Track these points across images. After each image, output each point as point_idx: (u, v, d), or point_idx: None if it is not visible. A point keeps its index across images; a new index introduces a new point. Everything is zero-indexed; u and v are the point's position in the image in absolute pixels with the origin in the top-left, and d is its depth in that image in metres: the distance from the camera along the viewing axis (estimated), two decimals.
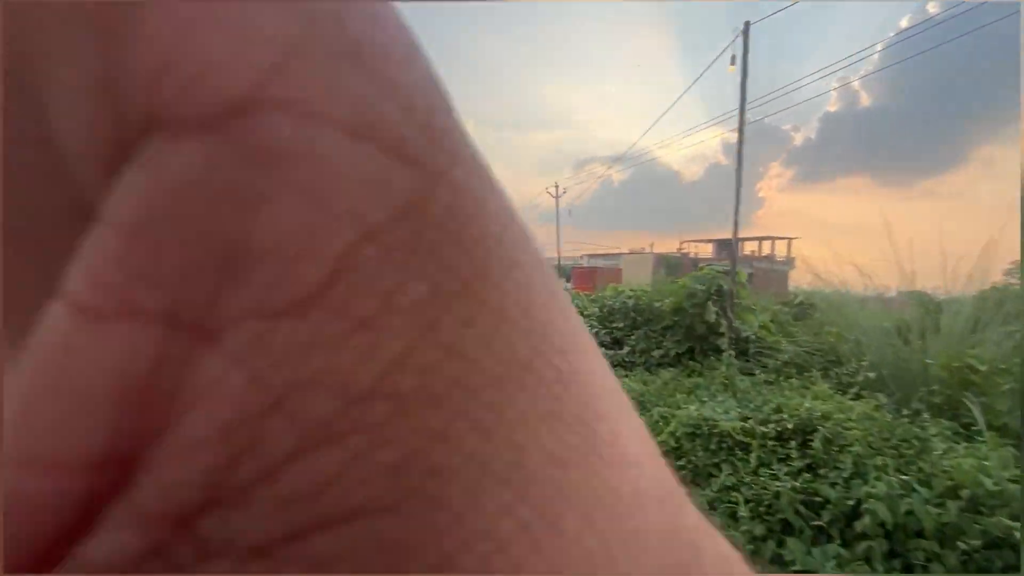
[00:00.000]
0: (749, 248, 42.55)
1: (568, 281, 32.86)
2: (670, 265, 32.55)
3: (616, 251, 45.57)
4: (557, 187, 28.82)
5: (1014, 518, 2.11)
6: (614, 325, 6.83)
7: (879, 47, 17.90)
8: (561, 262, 31.70)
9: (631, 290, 7.21)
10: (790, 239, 42.00)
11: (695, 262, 37.75)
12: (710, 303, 5.96)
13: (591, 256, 41.98)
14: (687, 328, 5.98)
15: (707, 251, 47.57)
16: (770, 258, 38.28)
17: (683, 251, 45.32)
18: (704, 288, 6.16)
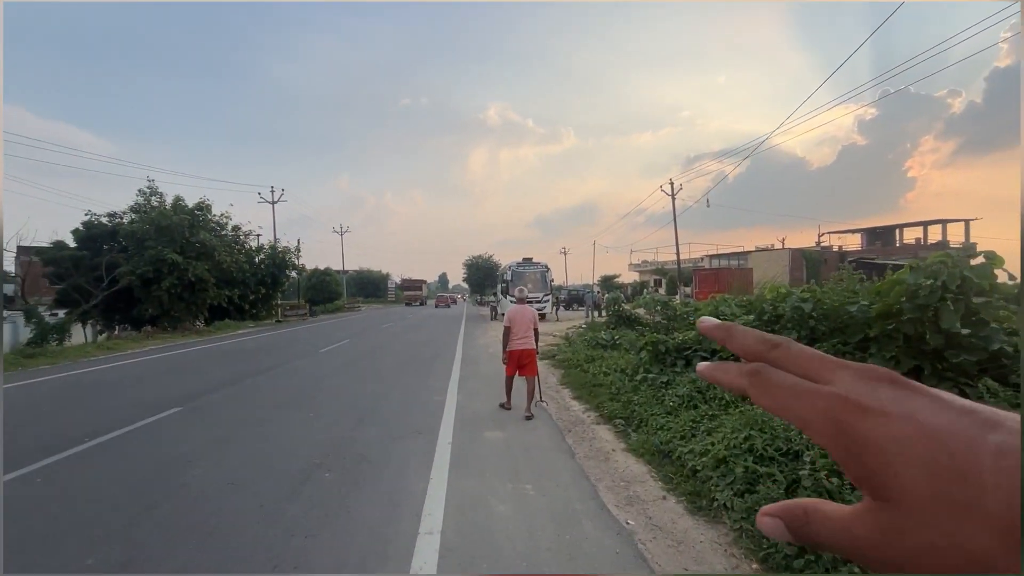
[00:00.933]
0: (912, 235, 36.78)
1: (687, 286, 31.37)
2: (811, 261, 29.48)
3: (738, 250, 42.29)
4: (672, 184, 27.61)
5: None
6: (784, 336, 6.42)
7: None
8: (680, 265, 30.17)
9: (804, 290, 6.18)
10: (968, 221, 35.55)
11: (842, 255, 33.65)
12: (948, 303, 4.18)
13: (712, 257, 39.33)
14: (908, 340, 4.50)
15: (854, 242, 42.13)
16: (942, 246, 32.63)
17: (823, 244, 40.65)
18: (932, 283, 4.27)
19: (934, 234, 36.52)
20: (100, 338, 19.92)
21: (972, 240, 34.14)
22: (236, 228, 28.51)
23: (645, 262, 59.70)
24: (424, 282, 78.57)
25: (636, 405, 5.96)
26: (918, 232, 37.22)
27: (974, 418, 0.22)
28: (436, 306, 54.74)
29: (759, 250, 36.69)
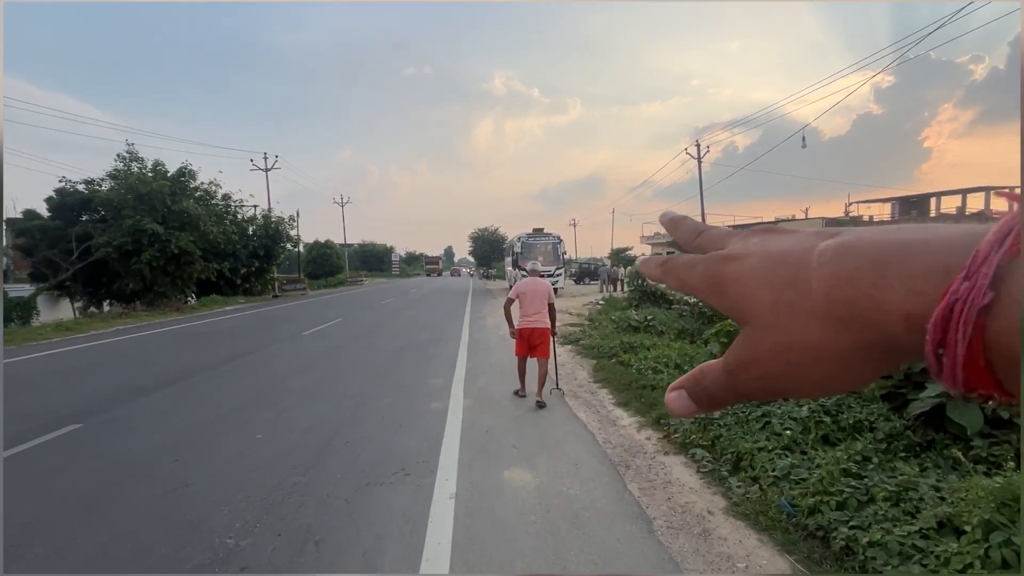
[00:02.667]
0: (950, 204, 34.22)
1: None
2: None
3: (756, 220, 39.83)
4: (699, 145, 25.17)
5: None
6: None
7: None
8: None
9: None
10: (1010, 189, 32.73)
11: (877, 225, 31.24)
12: None
13: (735, 228, 36.99)
14: None
15: (883, 212, 39.59)
16: (983, 216, 30.18)
17: (851, 214, 38.13)
18: None
19: (973, 203, 33.99)
20: (76, 316, 18.34)
21: (976, 209, 31.52)
22: (226, 197, 26.57)
23: (658, 234, 57.30)
24: (440, 258, 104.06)
25: (721, 426, 4.12)
26: (956, 200, 34.67)
27: (815, 236, 0.25)
28: (451, 275, 75.18)
29: (787, 220, 34.31)
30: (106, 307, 21.23)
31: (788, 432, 3.60)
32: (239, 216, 27.15)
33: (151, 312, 17.81)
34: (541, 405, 5.33)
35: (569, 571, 2.57)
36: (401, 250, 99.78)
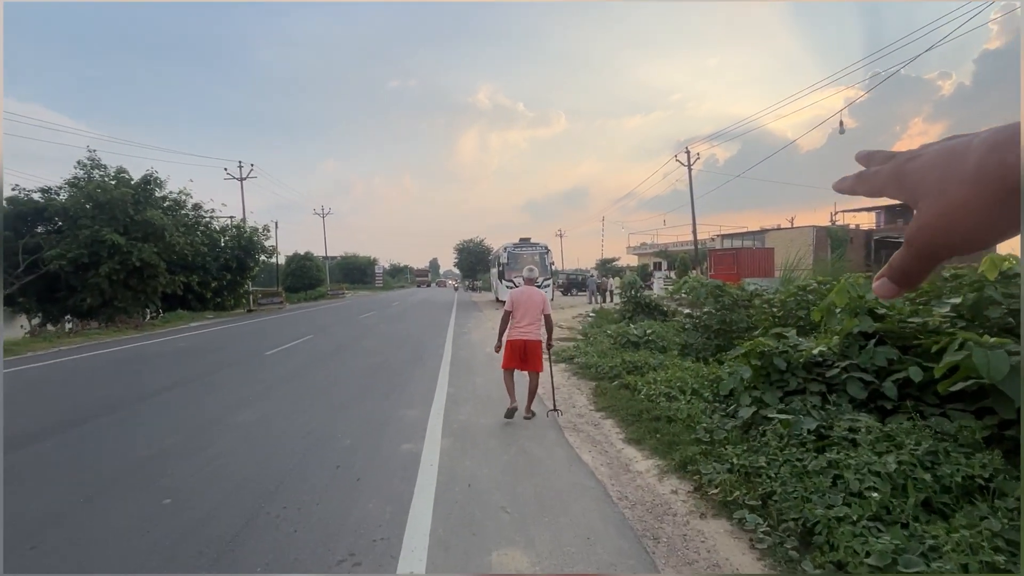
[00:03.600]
0: None
1: (694, 269, 28.58)
2: (837, 239, 26.88)
3: (743, 230, 39.57)
4: (688, 153, 24.65)
5: None
6: None
7: None
8: (692, 246, 27.42)
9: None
10: None
11: (868, 234, 31.12)
12: None
13: (723, 237, 36.68)
14: None
15: (869, 221, 39.65)
16: None
17: (838, 223, 38.07)
18: None
19: None
20: (25, 334, 16.81)
21: None
22: (197, 207, 25.23)
23: (644, 244, 56.95)
24: (427, 271, 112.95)
25: (772, 479, 3.18)
26: None
27: (977, 133, 0.33)
28: (437, 286, 78.24)
29: (773, 229, 34.04)
30: (67, 324, 19.71)
31: (875, 494, 2.67)
32: (211, 227, 25.81)
33: (107, 330, 16.40)
34: (528, 417, 5.15)
35: None
36: (385, 262, 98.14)
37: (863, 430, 3.26)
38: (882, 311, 4.26)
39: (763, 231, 33.01)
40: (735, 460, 3.53)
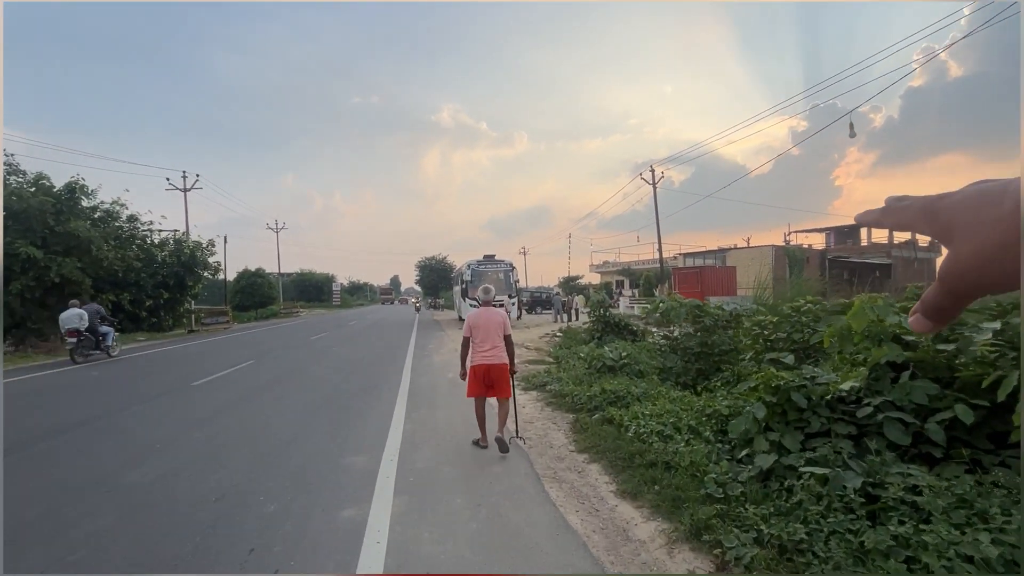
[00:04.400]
0: (878, 234, 35.97)
1: (656, 287, 28.52)
2: (794, 259, 27.52)
3: (702, 249, 40.39)
4: (653, 171, 24.70)
5: None
6: None
7: (966, 11, 14.62)
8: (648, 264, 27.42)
9: None
10: None
11: (822, 254, 32.15)
12: None
13: (685, 255, 37.15)
14: None
15: (819, 241, 41.25)
16: (912, 244, 31.73)
17: (791, 242, 39.39)
18: None
19: (899, 235, 35.90)
20: None
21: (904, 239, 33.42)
22: (133, 219, 23.20)
23: (607, 263, 57.34)
24: (391, 289, 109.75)
25: (817, 556, 2.46)
26: (884, 232, 36.55)
27: (1012, 178, 0.34)
28: (400, 303, 77.98)
29: (730, 249, 34.73)
30: None
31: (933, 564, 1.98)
32: (148, 241, 23.75)
33: (14, 355, 14.38)
34: (501, 443, 4.63)
35: None
36: (344, 279, 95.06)
37: (926, 490, 2.60)
38: (909, 338, 3.70)
39: (724, 250, 33.60)
40: (763, 527, 2.81)
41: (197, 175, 29.74)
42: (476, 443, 4.96)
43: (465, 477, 4.20)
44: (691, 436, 4.47)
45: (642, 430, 4.78)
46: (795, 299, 12.90)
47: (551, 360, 10.93)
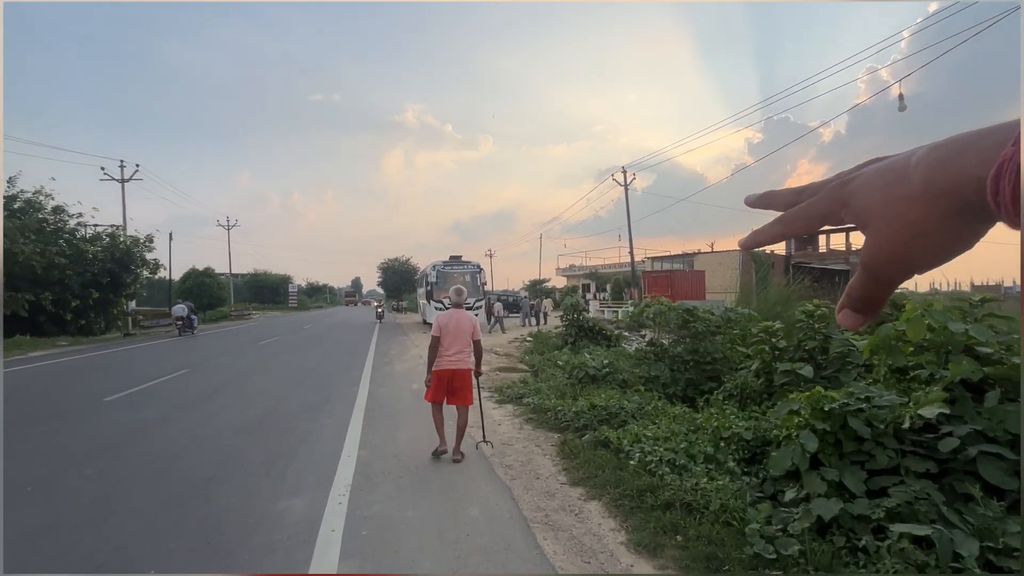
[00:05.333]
0: (836, 240, 37.09)
1: (625, 290, 28.27)
2: (761, 264, 27.81)
3: (667, 253, 40.68)
4: (625, 172, 24.33)
5: None
6: None
7: (906, 33, 15.97)
8: (635, 268, 27.10)
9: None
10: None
11: (786, 258, 32.72)
12: None
13: (653, 259, 37.21)
14: None
15: (781, 247, 42.27)
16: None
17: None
18: None
19: (855, 239, 37.21)
20: None
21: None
22: (59, 210, 20.94)
23: (572, 266, 57.18)
24: (354, 291, 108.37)
25: None
26: (841, 236, 37.80)
27: (908, 152, 0.33)
28: (363, 305, 76.73)
29: (695, 254, 34.98)
30: None
31: None
32: (77, 235, 21.47)
33: None
34: (457, 461, 4.46)
35: None
36: (302, 280, 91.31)
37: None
38: (984, 349, 3.04)
39: (692, 254, 33.78)
40: None
41: (137, 165, 27.35)
42: (435, 453, 4.57)
43: (435, 527, 3.28)
44: (711, 467, 3.71)
45: (648, 458, 3.98)
46: (776, 304, 12.58)
47: (524, 368, 10.08)
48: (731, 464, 3.65)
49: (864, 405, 2.99)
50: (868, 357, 3.74)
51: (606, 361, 8.29)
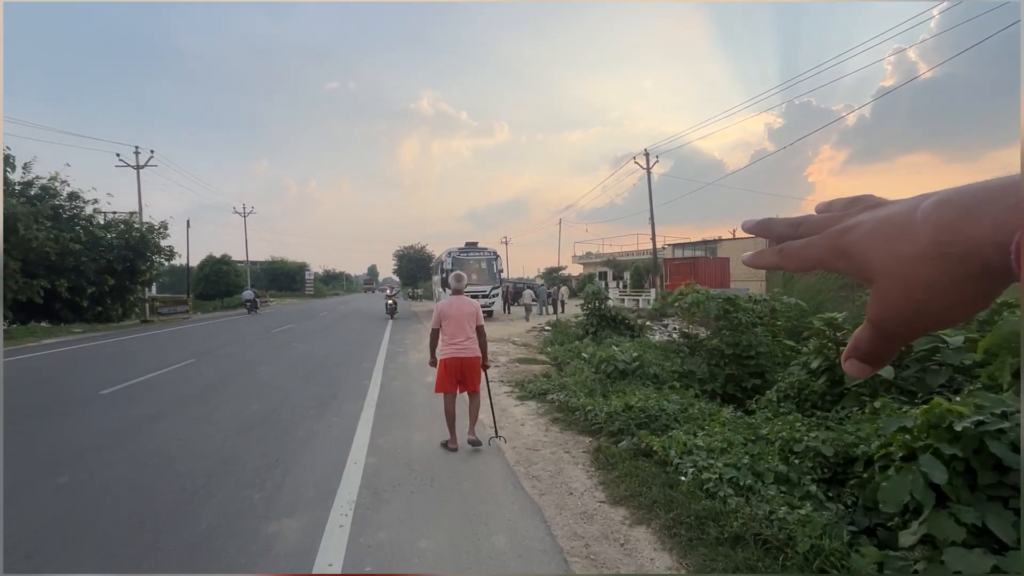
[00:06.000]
0: None
1: (645, 278, 27.32)
2: None
3: (687, 240, 39.53)
4: (648, 155, 23.35)
5: None
6: None
7: (935, 12, 14.43)
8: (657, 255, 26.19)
9: None
10: None
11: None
12: None
13: (674, 247, 36.15)
14: None
15: None
16: None
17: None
18: None
19: None
20: None
21: None
22: (74, 196, 20.84)
23: (589, 254, 56.13)
24: (373, 279, 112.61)
25: None
26: None
27: (912, 200, 0.30)
28: (381, 291, 73.96)
29: (715, 240, 33.85)
30: None
31: None
32: (92, 222, 21.40)
33: None
34: (475, 444, 4.42)
35: None
36: (319, 268, 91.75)
37: None
38: None
39: (715, 241, 32.69)
40: None
41: (152, 151, 27.21)
42: (444, 445, 4.46)
43: (454, 561, 2.72)
44: (784, 489, 3.07)
45: (704, 475, 3.35)
46: (819, 293, 11.73)
47: (545, 359, 9.49)
48: (811, 487, 3.00)
49: (1005, 424, 2.31)
50: (982, 357, 3.04)
51: (635, 354, 7.64)
